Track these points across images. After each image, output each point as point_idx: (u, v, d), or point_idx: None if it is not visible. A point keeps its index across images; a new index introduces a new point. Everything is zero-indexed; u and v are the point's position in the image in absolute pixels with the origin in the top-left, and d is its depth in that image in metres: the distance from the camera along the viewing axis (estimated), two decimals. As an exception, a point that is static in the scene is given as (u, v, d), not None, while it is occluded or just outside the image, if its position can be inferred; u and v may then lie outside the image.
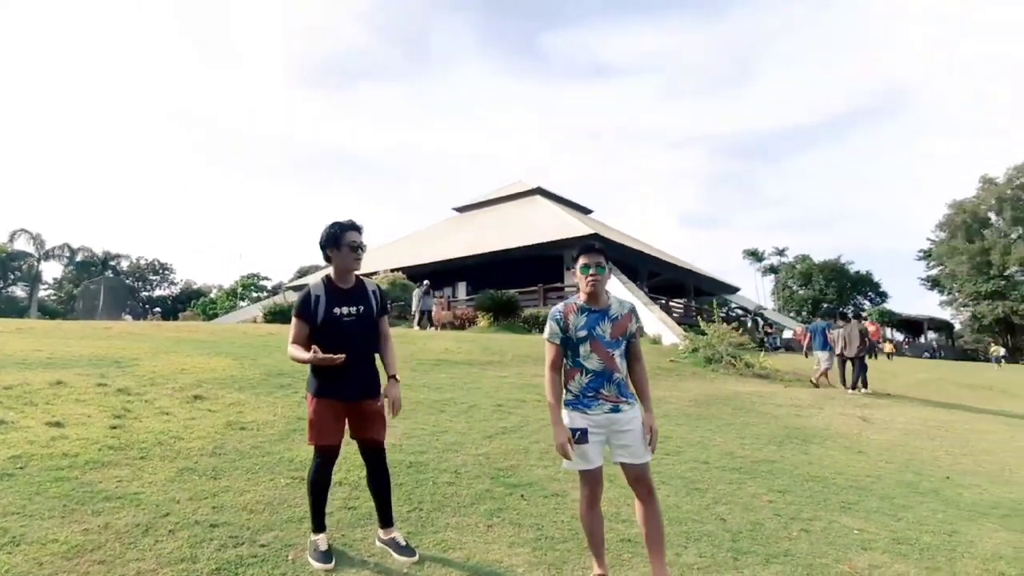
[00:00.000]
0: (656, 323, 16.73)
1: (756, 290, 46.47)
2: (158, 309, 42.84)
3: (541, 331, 20.74)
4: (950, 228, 42.65)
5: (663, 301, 25.77)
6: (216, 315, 38.02)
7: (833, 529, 3.94)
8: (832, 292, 46.93)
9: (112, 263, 57.17)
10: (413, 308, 19.17)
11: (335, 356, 2.70)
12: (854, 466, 5.77)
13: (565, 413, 2.81)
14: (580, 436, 2.74)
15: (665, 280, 33.19)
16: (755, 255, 45.18)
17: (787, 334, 29.72)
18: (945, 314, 43.03)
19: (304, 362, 2.79)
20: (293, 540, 3.02)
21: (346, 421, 2.96)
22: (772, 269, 44.91)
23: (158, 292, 62.71)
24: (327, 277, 2.99)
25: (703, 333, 14.40)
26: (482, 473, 4.39)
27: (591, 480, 2.82)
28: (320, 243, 2.97)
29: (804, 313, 46.43)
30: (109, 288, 45.28)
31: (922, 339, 38.35)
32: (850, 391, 11.28)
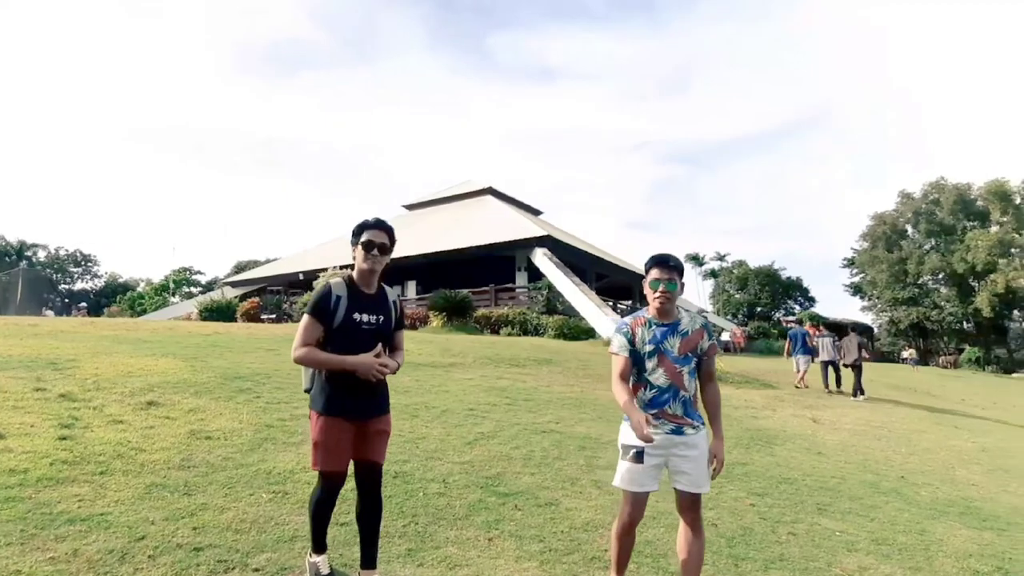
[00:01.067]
0: (610, 326, 16.95)
1: (697, 293, 48.13)
2: (84, 304, 39.82)
3: (495, 332, 20.63)
4: (872, 239, 45.60)
5: (610, 303, 26.23)
6: (144, 311, 35.77)
7: (816, 531, 4.05)
8: (766, 296, 49.15)
9: (28, 253, 52.79)
10: None
11: (383, 362, 2.49)
12: (819, 467, 6.00)
13: (624, 428, 2.70)
14: (635, 456, 2.62)
15: (611, 282, 33.80)
16: (696, 260, 46.83)
17: (725, 336, 30.86)
18: (866, 318, 45.98)
19: (329, 367, 2.53)
20: (289, 562, 2.79)
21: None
22: (713, 273, 46.65)
23: (80, 285, 58.41)
24: (349, 277, 2.68)
25: None
26: (471, 482, 4.25)
27: (634, 504, 2.70)
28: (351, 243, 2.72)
29: (740, 315, 48.39)
30: (27, 281, 41.72)
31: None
32: (853, 397, 12.09)
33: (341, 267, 23.53)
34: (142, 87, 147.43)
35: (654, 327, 2.69)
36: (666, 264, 2.68)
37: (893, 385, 17.46)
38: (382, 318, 2.64)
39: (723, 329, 34.83)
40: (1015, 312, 40.72)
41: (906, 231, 44.02)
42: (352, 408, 2.56)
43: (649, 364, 2.66)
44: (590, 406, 7.91)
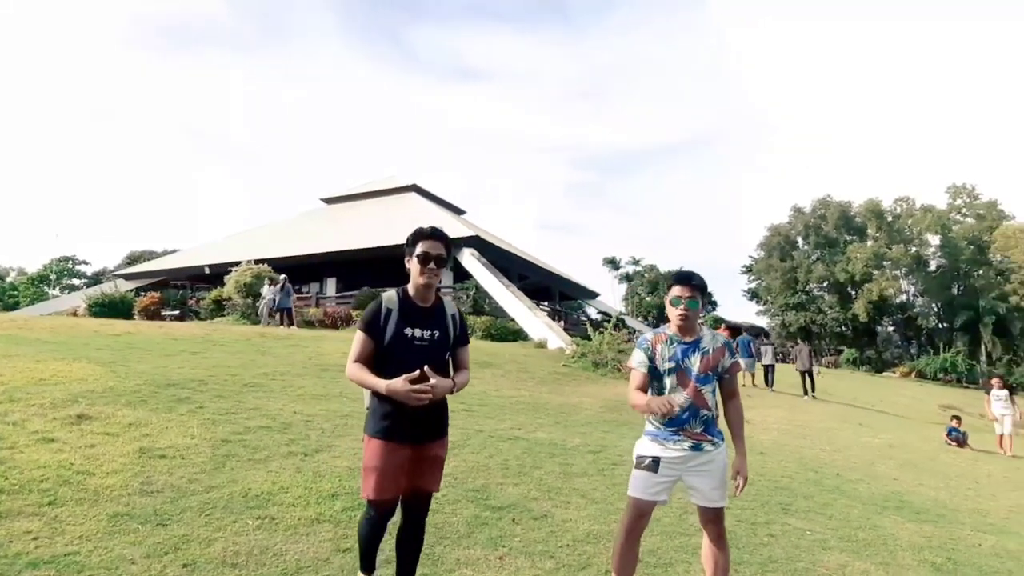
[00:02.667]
0: (542, 328, 17.16)
1: (613, 296, 49.89)
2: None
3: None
4: (768, 248, 49.40)
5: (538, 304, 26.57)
6: (17, 304, 31.74)
7: (790, 532, 4.27)
8: (674, 300, 51.75)
9: None
10: (260, 305, 17.31)
11: (420, 388, 2.24)
12: (766, 467, 6.37)
13: (642, 442, 2.71)
14: (650, 464, 2.64)
15: (532, 284, 34.19)
16: (613, 263, 48.54)
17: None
18: (762, 321, 49.75)
19: (368, 387, 2.34)
20: (304, 598, 2.54)
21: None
22: (627, 277, 48.53)
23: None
24: (403, 290, 2.48)
25: (587, 338, 15.10)
26: (460, 496, 4.10)
27: (638, 510, 2.66)
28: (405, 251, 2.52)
29: (650, 318, 50.64)
30: None
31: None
32: (804, 397, 14.31)
33: (256, 262, 22.17)
34: (22, 54, 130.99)
35: (675, 344, 2.67)
36: (688, 282, 2.67)
37: (794, 384, 19.00)
38: (437, 333, 2.44)
39: (639, 331, 36.37)
40: (885, 318, 45.66)
41: (797, 242, 48.09)
42: (407, 431, 2.35)
43: (668, 381, 2.65)
44: (544, 411, 7.93)
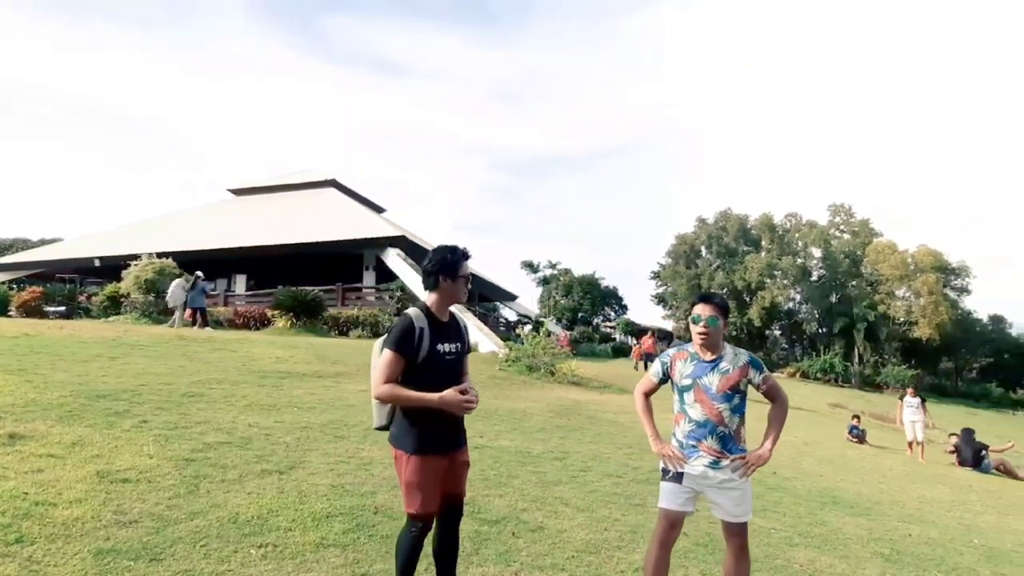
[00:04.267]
0: (474, 331, 17.10)
1: (530, 299, 50.66)
2: None
3: (343, 334, 19.44)
4: (674, 256, 52.32)
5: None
6: None
7: (759, 531, 4.57)
8: (587, 303, 53.44)
9: None
10: (170, 302, 15.86)
11: (470, 398, 2.37)
12: (714, 468, 6.76)
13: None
14: (675, 476, 2.75)
15: (454, 285, 34.06)
16: (531, 267, 49.23)
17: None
18: (668, 325, 52.55)
19: (415, 405, 2.34)
20: (341, 632, 2.40)
21: None
22: (545, 280, 49.46)
23: None
24: (426, 307, 2.52)
25: (507, 340, 15.26)
26: (453, 511, 4.03)
27: (669, 521, 2.76)
28: (430, 268, 2.50)
29: (564, 320, 51.91)
30: None
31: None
32: None
33: (158, 255, 20.41)
34: None
35: (694, 362, 2.77)
36: (710, 301, 2.79)
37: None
38: (459, 345, 2.55)
39: (556, 334, 37.19)
40: (775, 322, 49.77)
41: (701, 251, 51.29)
42: (443, 442, 2.44)
43: (687, 397, 2.76)
44: (496, 417, 7.93)
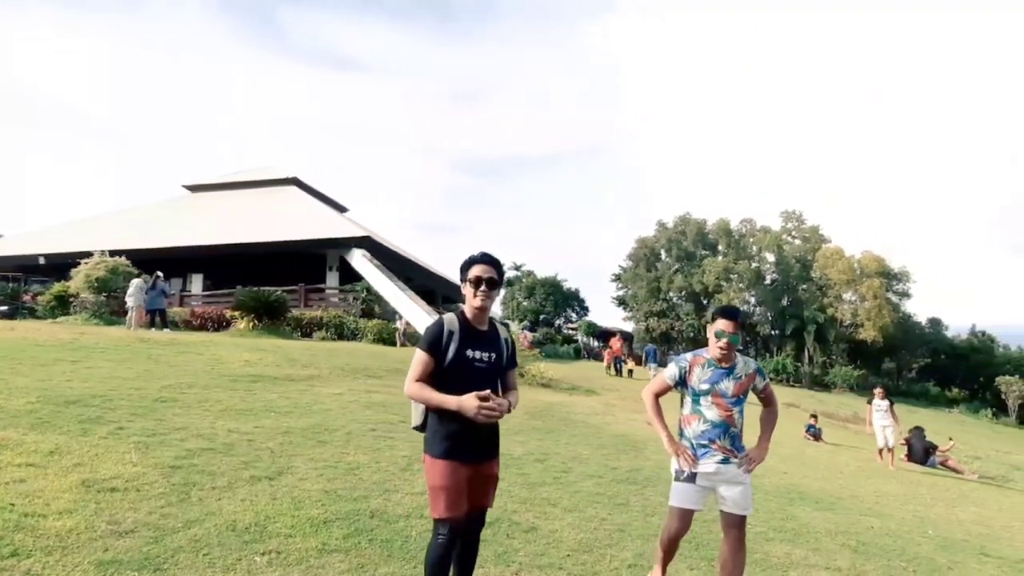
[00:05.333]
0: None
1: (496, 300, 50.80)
2: None
3: (306, 336, 19.05)
4: (635, 259, 53.30)
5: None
6: None
7: (735, 527, 4.79)
8: (550, 305, 53.90)
9: None
10: (129, 303, 15.02)
11: (489, 405, 2.34)
12: (687, 467, 7.00)
13: (675, 459, 3.05)
14: (689, 476, 2.97)
15: (416, 286, 33.75)
16: (495, 268, 49.36)
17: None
18: (628, 327, 53.51)
19: (433, 404, 2.39)
20: (358, 636, 2.43)
21: None
22: (508, 282, 49.63)
23: None
24: (462, 313, 2.55)
25: None
26: (447, 514, 4.07)
27: (682, 519, 3.01)
28: (460, 277, 2.60)
29: (526, 322, 52.15)
30: None
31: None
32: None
33: (112, 253, 19.59)
34: None
35: (712, 368, 3.00)
36: (735, 318, 3.00)
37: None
38: (495, 355, 2.54)
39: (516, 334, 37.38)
40: (730, 325, 51.32)
41: (661, 255, 52.41)
42: (470, 451, 2.45)
43: (703, 400, 2.98)
44: (474, 419, 7.98)
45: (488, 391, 2.41)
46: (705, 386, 2.96)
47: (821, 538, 4.79)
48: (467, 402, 2.33)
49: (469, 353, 2.44)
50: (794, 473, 7.69)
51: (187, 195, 31.10)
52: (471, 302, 2.51)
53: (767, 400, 3.14)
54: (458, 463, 2.40)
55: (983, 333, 54.11)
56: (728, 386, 2.96)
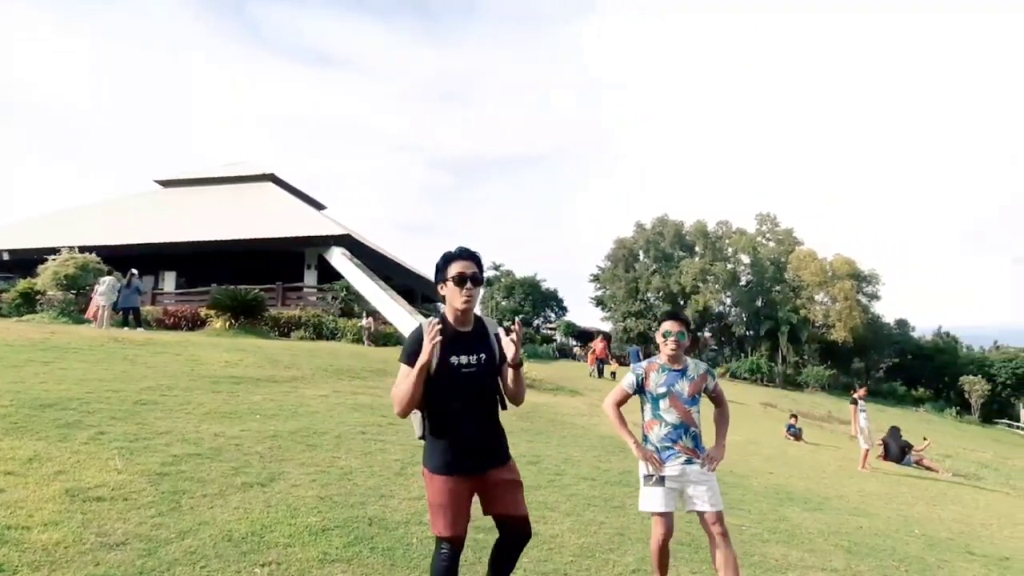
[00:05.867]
0: (424, 332, 16.88)
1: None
2: None
3: (284, 335, 18.69)
4: (614, 259, 53.65)
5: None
6: None
7: (731, 529, 4.77)
8: (528, 305, 53.95)
9: None
10: (103, 301, 14.22)
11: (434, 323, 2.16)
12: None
13: (643, 464, 3.09)
14: (658, 480, 3.02)
15: (396, 286, 33.38)
16: (475, 268, 49.24)
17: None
18: (606, 327, 53.85)
19: (413, 384, 2.18)
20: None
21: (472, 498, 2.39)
22: (488, 282, 49.52)
23: None
24: (443, 316, 2.37)
25: None
26: (446, 519, 3.99)
27: (664, 523, 3.07)
28: (434, 277, 2.42)
29: (505, 323, 52.06)
30: None
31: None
32: None
33: (80, 249, 18.97)
34: None
35: (666, 372, 3.11)
36: (677, 318, 3.18)
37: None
38: (483, 356, 2.35)
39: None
40: (707, 324, 52.01)
41: (639, 255, 52.86)
42: (469, 462, 2.31)
43: (662, 404, 3.07)
44: (462, 421, 7.89)
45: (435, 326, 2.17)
46: (662, 389, 3.06)
47: (815, 539, 4.83)
48: (423, 356, 2.14)
49: (454, 360, 2.27)
50: (779, 473, 7.78)
51: (160, 190, 30.25)
52: (454, 303, 2.31)
53: (717, 400, 3.25)
54: (458, 477, 2.27)
55: (947, 334, 55.83)
56: (683, 387, 3.06)
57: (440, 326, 2.18)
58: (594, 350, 22.21)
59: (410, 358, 2.24)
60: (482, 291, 2.52)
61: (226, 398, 6.79)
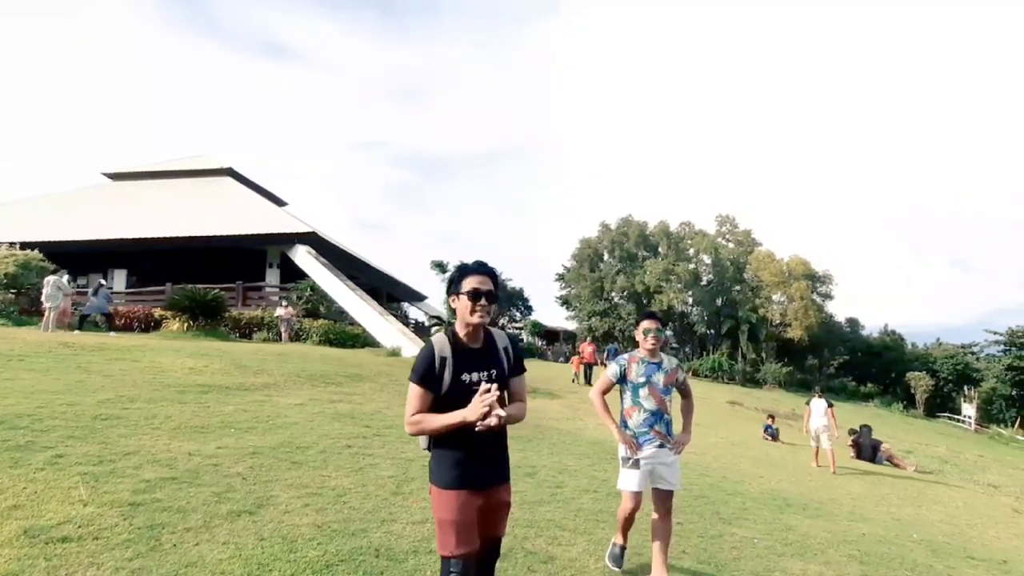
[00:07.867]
0: (395, 334, 16.40)
1: (440, 299, 49.99)
2: None
3: (245, 337, 17.92)
4: (579, 259, 53.92)
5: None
6: None
7: (744, 543, 4.64)
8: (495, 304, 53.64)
9: None
10: (47, 304, 12.93)
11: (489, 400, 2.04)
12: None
13: (623, 447, 3.53)
14: (634, 463, 3.47)
15: (362, 285, 32.63)
16: (440, 267, 48.40)
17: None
18: (571, 326, 54.07)
19: (442, 430, 2.13)
20: None
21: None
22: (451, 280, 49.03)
23: None
24: (452, 332, 2.28)
25: None
26: (456, 546, 3.68)
27: (633, 500, 3.53)
28: (446, 289, 2.31)
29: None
30: None
31: (560, 347, 47.45)
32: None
33: (21, 246, 17.72)
34: None
35: (646, 364, 3.57)
36: (655, 317, 3.65)
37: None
38: (495, 372, 2.26)
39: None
40: (670, 323, 52.83)
41: (604, 255, 53.26)
42: (479, 477, 2.22)
43: (642, 392, 3.53)
44: (448, 429, 7.56)
45: (491, 394, 2.08)
46: (642, 379, 3.51)
47: (826, 550, 4.72)
48: (471, 407, 2.07)
49: (465, 377, 2.19)
50: (769, 477, 7.75)
51: (108, 183, 28.64)
52: (467, 318, 2.21)
53: (685, 392, 3.71)
54: (468, 492, 2.17)
55: (894, 332, 58.32)
56: (660, 378, 3.53)
57: (496, 396, 2.07)
58: (581, 354, 19.59)
59: (422, 378, 2.18)
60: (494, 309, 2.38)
61: (195, 410, 6.28)
